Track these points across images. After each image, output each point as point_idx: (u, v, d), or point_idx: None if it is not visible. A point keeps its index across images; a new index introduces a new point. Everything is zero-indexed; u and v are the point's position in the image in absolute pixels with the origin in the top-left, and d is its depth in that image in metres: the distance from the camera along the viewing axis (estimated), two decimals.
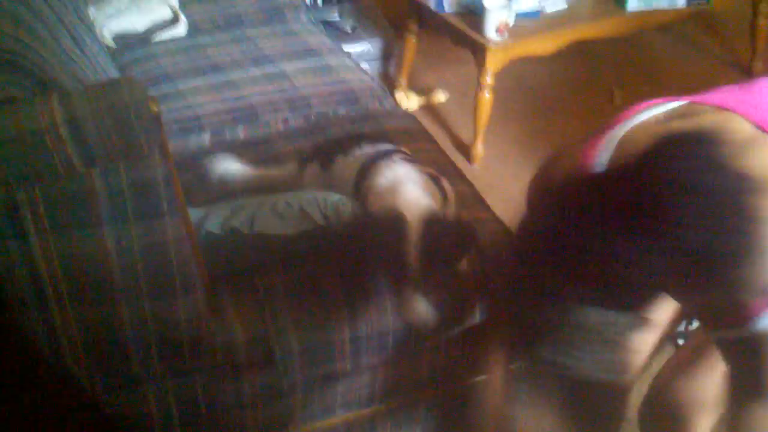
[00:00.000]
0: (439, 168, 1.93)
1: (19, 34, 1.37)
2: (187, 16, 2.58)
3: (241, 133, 2.14)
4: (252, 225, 1.57)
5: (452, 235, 1.55)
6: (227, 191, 1.79)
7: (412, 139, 2.03)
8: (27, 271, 1.25)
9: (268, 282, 1.55)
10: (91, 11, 2.49)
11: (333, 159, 1.75)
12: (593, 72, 3.53)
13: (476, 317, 1.64)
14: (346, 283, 1.56)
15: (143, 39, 2.50)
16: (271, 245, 1.58)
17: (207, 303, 1.44)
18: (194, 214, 1.56)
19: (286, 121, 2.18)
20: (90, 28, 2.32)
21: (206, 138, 2.11)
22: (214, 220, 1.58)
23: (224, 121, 2.16)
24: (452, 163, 2.07)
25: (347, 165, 1.71)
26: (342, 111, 2.22)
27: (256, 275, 1.57)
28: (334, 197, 1.62)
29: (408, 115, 2.41)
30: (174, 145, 1.97)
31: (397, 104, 2.54)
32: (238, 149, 1.98)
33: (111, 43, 2.46)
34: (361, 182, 1.66)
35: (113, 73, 2.14)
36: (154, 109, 1.19)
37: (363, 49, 3.15)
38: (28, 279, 1.26)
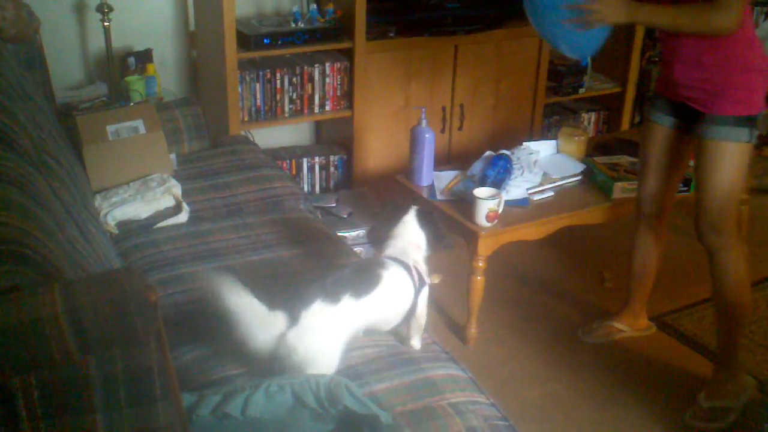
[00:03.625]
0: (429, 354, 1.95)
1: (27, 226, 1.42)
2: (190, 205, 2.67)
3: None
4: (245, 410, 1.57)
5: None
6: None
7: None
8: None
9: None
10: (97, 200, 2.58)
11: None
12: (582, 255, 3.61)
13: None
14: None
15: (145, 226, 2.57)
16: (264, 430, 1.58)
17: None
18: (187, 399, 1.56)
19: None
20: (94, 215, 2.41)
21: None
22: (206, 405, 1.58)
23: None
24: (444, 349, 2.08)
25: None
26: None
27: None
28: (325, 378, 1.63)
29: None
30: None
31: None
32: None
33: (114, 230, 2.53)
34: None
35: (114, 259, 2.19)
36: (152, 298, 1.22)
37: (358, 234, 3.25)
38: None
